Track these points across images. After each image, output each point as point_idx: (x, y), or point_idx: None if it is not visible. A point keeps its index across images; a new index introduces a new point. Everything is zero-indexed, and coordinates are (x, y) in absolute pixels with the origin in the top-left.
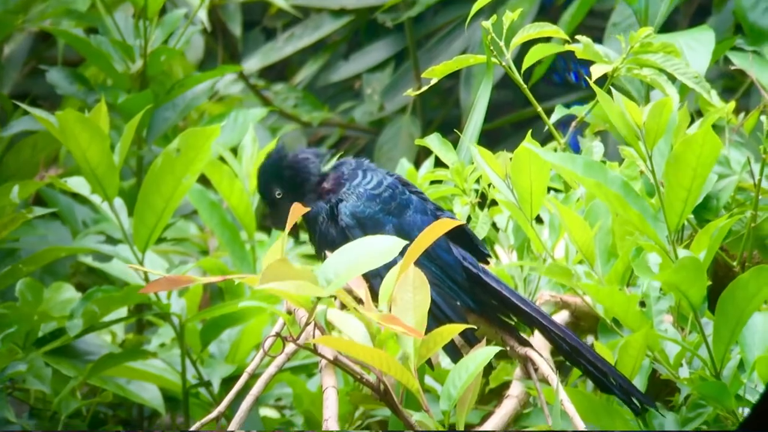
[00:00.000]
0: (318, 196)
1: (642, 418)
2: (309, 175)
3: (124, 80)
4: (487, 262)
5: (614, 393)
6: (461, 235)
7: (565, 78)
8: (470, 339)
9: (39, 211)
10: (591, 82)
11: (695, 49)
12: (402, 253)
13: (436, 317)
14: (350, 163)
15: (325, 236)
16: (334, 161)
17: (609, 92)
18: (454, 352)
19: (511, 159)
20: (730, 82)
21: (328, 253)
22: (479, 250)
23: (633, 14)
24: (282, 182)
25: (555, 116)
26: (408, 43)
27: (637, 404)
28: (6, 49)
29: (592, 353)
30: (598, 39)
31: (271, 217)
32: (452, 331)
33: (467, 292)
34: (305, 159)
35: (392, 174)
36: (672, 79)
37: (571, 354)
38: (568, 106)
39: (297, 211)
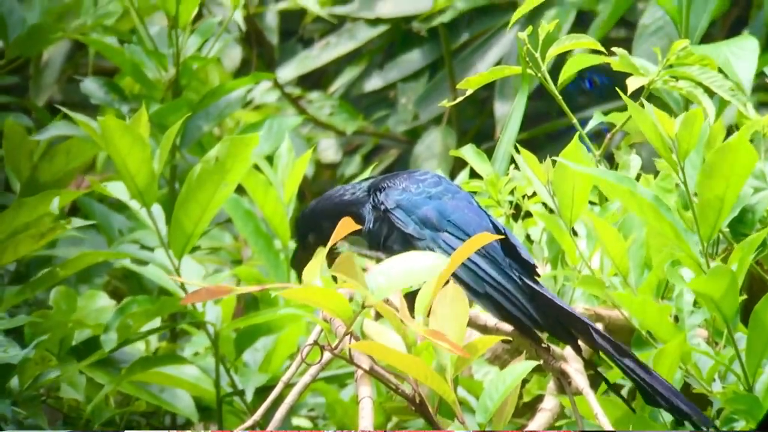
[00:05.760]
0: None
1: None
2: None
3: (157, 89)
4: (537, 274)
5: (661, 406)
6: (508, 248)
7: (594, 83)
8: None
9: (78, 222)
10: (622, 95)
11: (741, 56)
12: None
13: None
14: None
15: (373, 232)
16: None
17: (642, 104)
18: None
19: (554, 165)
20: (767, 96)
21: (381, 255)
22: (526, 262)
23: (663, 17)
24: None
25: (591, 125)
26: (443, 52)
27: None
28: (44, 56)
29: (636, 361)
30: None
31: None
32: (487, 342)
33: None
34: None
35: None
36: (710, 93)
37: (617, 362)
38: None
39: (346, 226)
